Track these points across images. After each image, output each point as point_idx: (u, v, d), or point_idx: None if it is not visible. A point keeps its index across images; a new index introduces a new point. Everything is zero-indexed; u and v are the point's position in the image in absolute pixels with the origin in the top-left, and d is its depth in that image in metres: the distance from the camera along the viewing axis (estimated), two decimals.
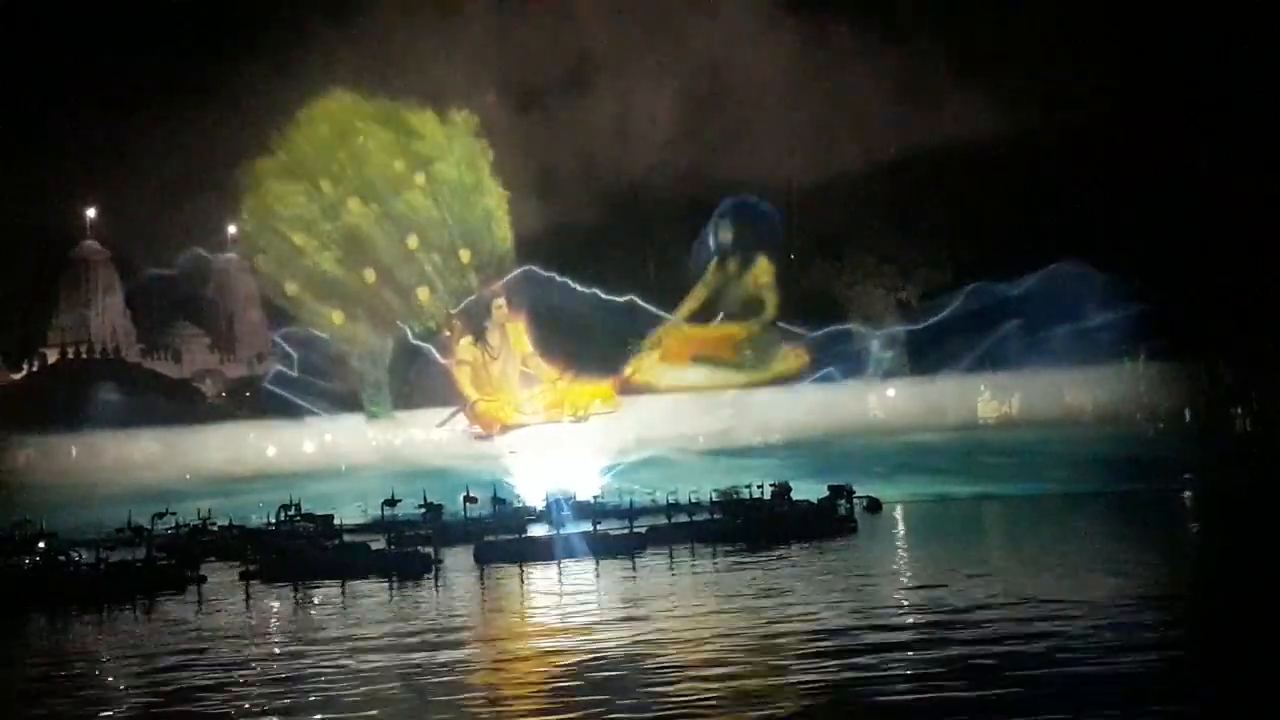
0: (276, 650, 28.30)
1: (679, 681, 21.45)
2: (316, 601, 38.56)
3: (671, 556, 45.86)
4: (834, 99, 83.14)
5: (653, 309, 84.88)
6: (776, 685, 21.23)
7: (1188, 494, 66.83)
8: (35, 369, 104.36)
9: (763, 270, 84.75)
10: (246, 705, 21.85)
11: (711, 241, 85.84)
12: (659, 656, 24.18)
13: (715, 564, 43.87)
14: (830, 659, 22.86)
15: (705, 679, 21.59)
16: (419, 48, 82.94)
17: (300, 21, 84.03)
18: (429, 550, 46.24)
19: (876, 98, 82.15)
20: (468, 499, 55.99)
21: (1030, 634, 24.28)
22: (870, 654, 23.07)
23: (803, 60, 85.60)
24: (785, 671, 22.64)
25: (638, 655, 24.42)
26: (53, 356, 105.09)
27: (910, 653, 23.12)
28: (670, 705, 19.73)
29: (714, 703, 19.82)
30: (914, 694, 19.68)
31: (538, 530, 55.15)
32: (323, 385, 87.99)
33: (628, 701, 20.19)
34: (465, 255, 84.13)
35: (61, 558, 45.18)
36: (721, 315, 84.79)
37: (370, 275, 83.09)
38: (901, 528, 58.33)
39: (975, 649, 22.98)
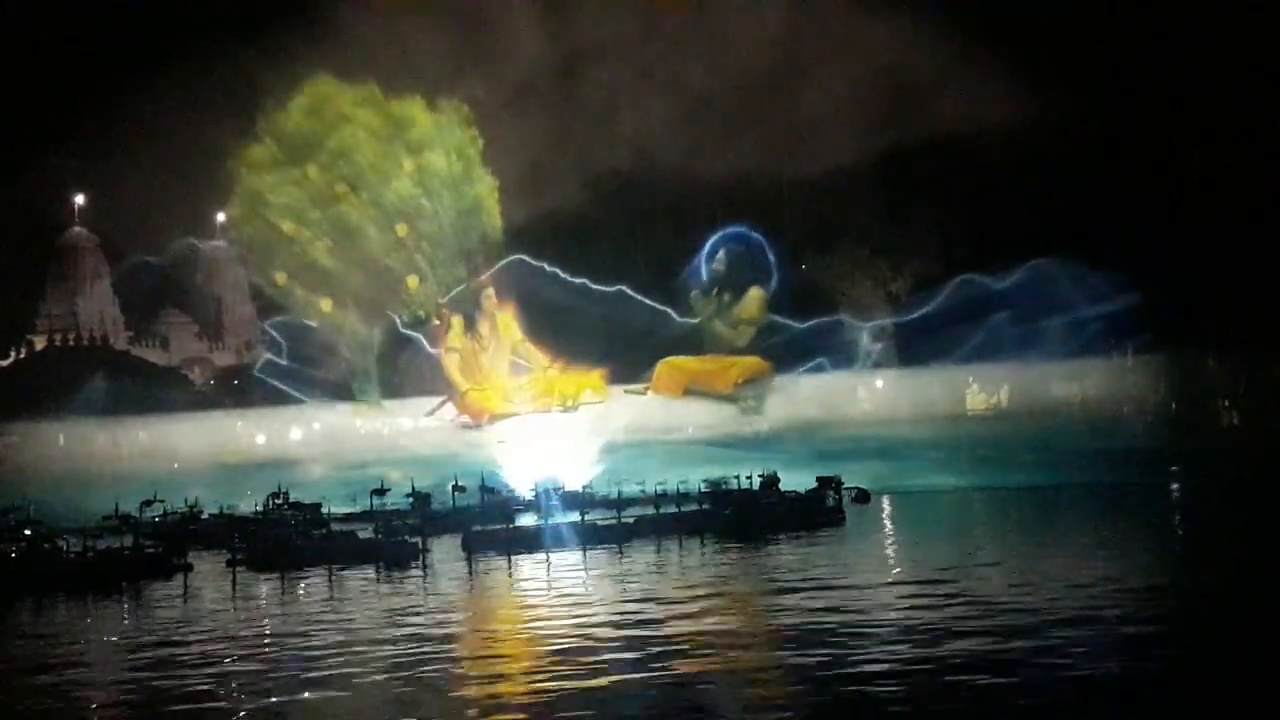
0: (260, 638, 28.23)
1: (665, 672, 21.46)
2: (302, 590, 38.48)
3: (659, 547, 45.91)
4: (826, 91, 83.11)
5: (642, 299, 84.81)
6: (763, 676, 21.26)
7: (1175, 486, 67.08)
8: (23, 356, 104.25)
9: (751, 301, 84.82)
10: (230, 695, 21.82)
11: (704, 272, 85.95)
12: (645, 648, 24.17)
13: (703, 554, 43.94)
14: (810, 652, 22.88)
15: (691, 668, 21.64)
16: (409, 36, 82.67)
17: (290, 8, 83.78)
18: (416, 539, 46.26)
19: (869, 90, 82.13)
20: (456, 488, 56.06)
21: (1013, 630, 24.30)
22: (848, 647, 23.10)
23: (794, 52, 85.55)
24: (768, 663, 22.69)
25: (623, 648, 24.41)
26: (40, 343, 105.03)
27: (892, 647, 23.14)
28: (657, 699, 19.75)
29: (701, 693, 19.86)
30: (893, 688, 19.71)
31: (526, 520, 55.16)
32: (311, 374, 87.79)
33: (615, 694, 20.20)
34: (454, 244, 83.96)
35: (48, 545, 45.10)
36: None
37: (359, 264, 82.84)
38: (889, 519, 58.45)
39: (957, 646, 23.00)
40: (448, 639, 27.06)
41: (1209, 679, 20.07)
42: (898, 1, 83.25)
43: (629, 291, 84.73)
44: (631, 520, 51.26)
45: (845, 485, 60.02)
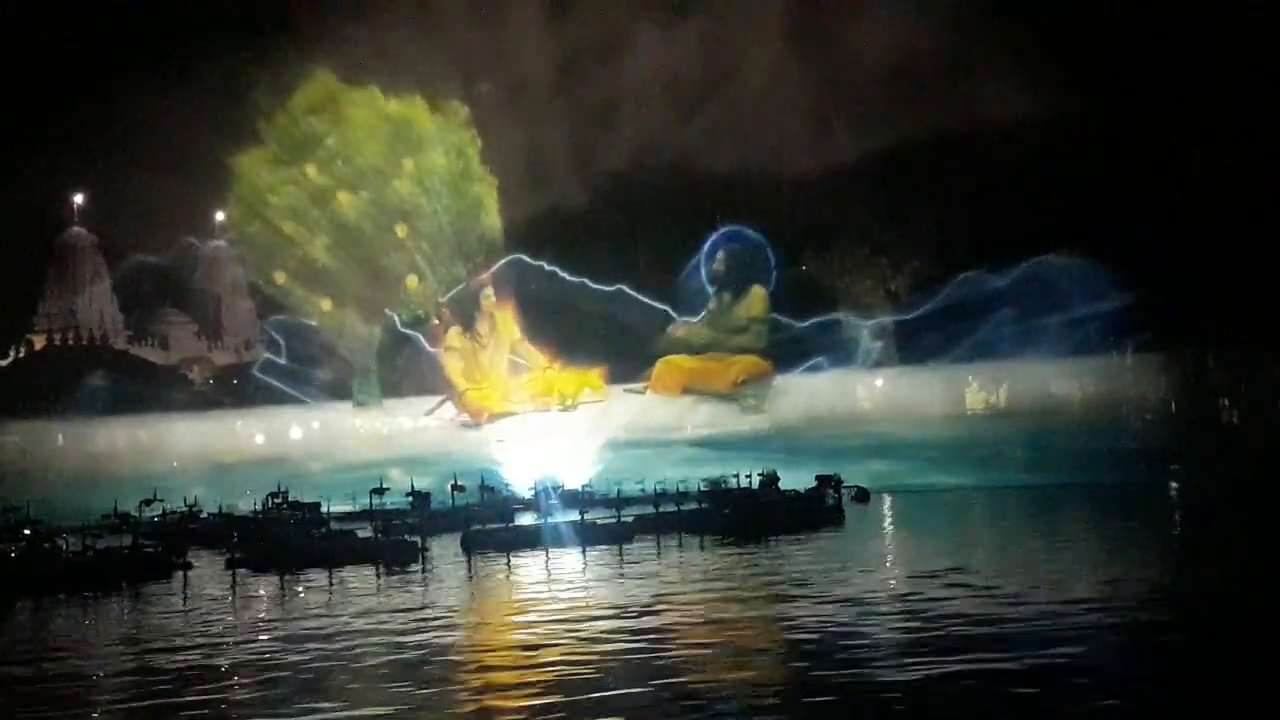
0: (259, 638, 28.20)
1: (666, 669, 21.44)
2: (301, 590, 38.41)
3: (659, 546, 45.82)
4: (826, 90, 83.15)
5: (641, 298, 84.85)
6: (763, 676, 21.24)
7: (1174, 485, 67.03)
8: (22, 355, 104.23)
9: (756, 299, 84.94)
10: (229, 694, 21.81)
11: (705, 273, 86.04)
12: (644, 647, 24.14)
13: (702, 553, 43.87)
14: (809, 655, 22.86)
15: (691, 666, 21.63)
16: (409, 36, 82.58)
17: (291, 8, 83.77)
18: (416, 539, 46.19)
19: (868, 89, 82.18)
20: (455, 487, 56.02)
21: (1012, 628, 24.27)
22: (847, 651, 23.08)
23: (795, 51, 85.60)
24: (768, 662, 22.68)
25: (623, 646, 24.38)
26: (40, 343, 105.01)
27: (893, 646, 23.12)
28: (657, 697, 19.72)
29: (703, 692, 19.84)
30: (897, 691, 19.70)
31: (525, 519, 55.12)
32: (311, 373, 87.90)
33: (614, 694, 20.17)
34: (454, 244, 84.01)
35: (48, 544, 45.05)
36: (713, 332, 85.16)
37: (359, 263, 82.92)
38: (889, 518, 58.40)
39: (958, 644, 22.96)
40: (447, 638, 27.04)
41: (1209, 679, 20.05)
42: (898, 1, 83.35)
43: (628, 290, 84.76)
44: (631, 519, 51.17)
45: (845, 484, 60.01)
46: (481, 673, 22.54)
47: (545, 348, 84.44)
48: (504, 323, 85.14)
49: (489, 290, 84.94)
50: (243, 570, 43.25)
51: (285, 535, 47.87)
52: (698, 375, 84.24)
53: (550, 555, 44.33)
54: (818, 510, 55.12)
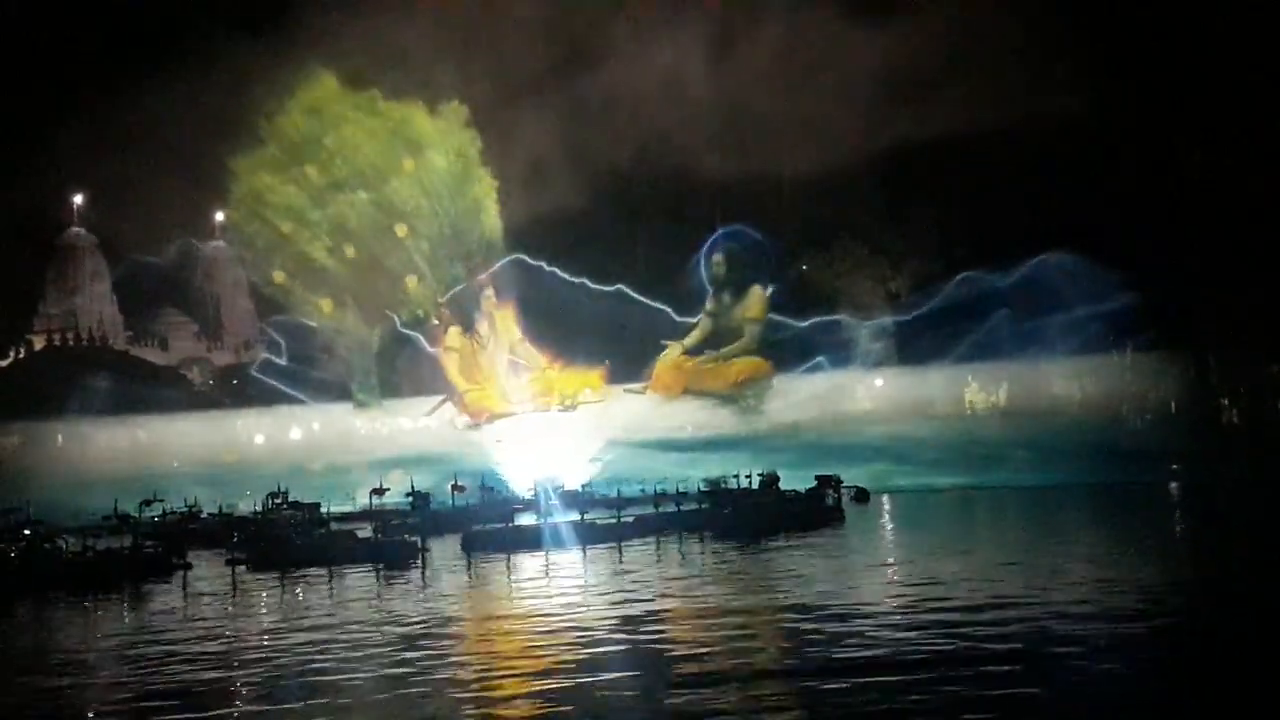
0: (258, 637, 28.17)
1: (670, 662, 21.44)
2: (300, 590, 38.36)
3: (659, 546, 45.79)
4: (826, 91, 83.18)
5: (641, 298, 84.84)
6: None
7: (1174, 485, 67.00)
8: (22, 356, 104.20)
9: (756, 300, 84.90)
10: (228, 695, 21.79)
11: (704, 273, 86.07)
12: (644, 647, 24.12)
13: (702, 553, 43.83)
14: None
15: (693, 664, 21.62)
16: (409, 35, 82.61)
17: (292, 9, 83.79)
18: (416, 539, 46.16)
19: (868, 90, 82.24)
20: (455, 488, 56.06)
21: (1013, 628, 24.25)
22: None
23: (795, 52, 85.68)
24: (768, 661, 22.66)
25: (624, 647, 24.36)
26: (40, 343, 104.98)
27: (894, 647, 23.09)
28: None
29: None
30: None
31: (526, 519, 55.12)
32: (311, 374, 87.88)
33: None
34: (454, 244, 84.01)
35: (48, 545, 45.08)
36: (707, 351, 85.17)
37: (358, 263, 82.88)
38: (889, 519, 58.36)
39: (957, 646, 22.94)
40: (446, 639, 27.02)
41: (1209, 677, 20.04)
42: (898, 3, 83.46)
43: (628, 290, 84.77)
44: (631, 519, 51.18)
45: (845, 484, 60.04)
46: (481, 673, 22.52)
47: (545, 348, 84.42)
48: (504, 323, 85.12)
49: (489, 290, 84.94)
50: (242, 570, 43.21)
51: (285, 535, 47.92)
52: (697, 375, 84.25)
53: (550, 556, 44.27)
54: (818, 510, 55.15)
